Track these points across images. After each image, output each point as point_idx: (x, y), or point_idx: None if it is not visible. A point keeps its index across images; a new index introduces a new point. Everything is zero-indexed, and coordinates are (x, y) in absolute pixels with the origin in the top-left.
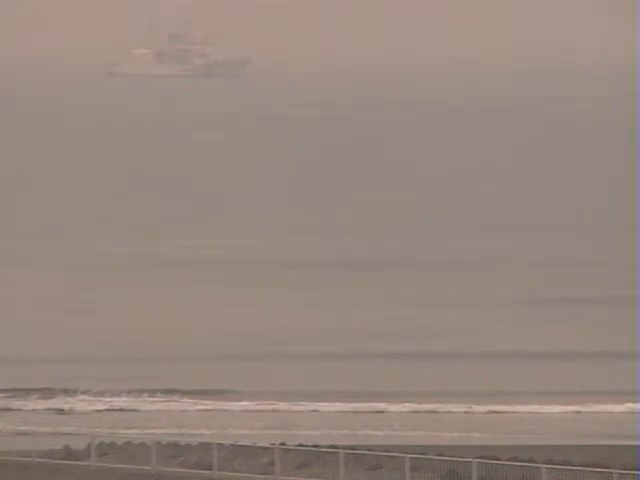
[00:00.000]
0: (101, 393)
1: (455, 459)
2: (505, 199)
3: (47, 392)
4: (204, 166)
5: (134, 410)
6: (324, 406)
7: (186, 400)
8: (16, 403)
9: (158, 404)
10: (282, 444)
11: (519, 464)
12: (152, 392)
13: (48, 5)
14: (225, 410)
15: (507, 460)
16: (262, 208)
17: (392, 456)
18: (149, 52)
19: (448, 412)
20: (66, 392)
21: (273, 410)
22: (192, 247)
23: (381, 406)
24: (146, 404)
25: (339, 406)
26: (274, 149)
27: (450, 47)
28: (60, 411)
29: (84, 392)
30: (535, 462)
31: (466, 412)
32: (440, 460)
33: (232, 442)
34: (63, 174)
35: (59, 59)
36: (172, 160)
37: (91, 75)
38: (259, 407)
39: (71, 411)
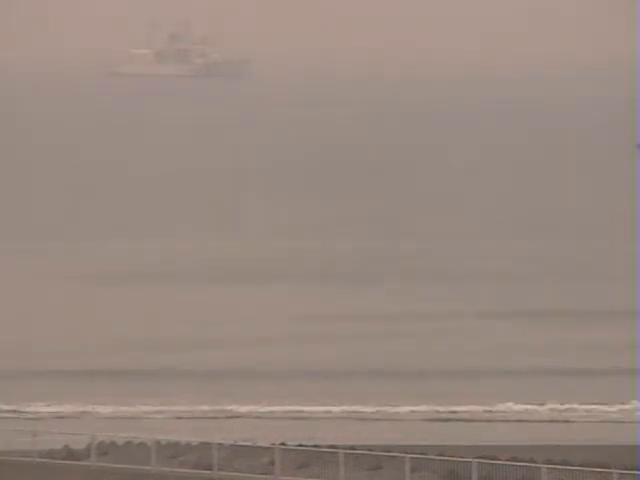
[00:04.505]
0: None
1: (455, 459)
2: None
3: None
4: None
5: None
6: None
7: None
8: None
9: None
10: (282, 444)
11: (519, 464)
12: None
13: (47, 5)
14: None
15: (507, 460)
16: None
17: (392, 456)
18: (149, 52)
19: None
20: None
21: None
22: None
23: None
24: None
25: None
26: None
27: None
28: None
29: None
30: (535, 462)
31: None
32: (440, 460)
33: (232, 442)
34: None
35: (58, 59)
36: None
37: (90, 75)
38: None
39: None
